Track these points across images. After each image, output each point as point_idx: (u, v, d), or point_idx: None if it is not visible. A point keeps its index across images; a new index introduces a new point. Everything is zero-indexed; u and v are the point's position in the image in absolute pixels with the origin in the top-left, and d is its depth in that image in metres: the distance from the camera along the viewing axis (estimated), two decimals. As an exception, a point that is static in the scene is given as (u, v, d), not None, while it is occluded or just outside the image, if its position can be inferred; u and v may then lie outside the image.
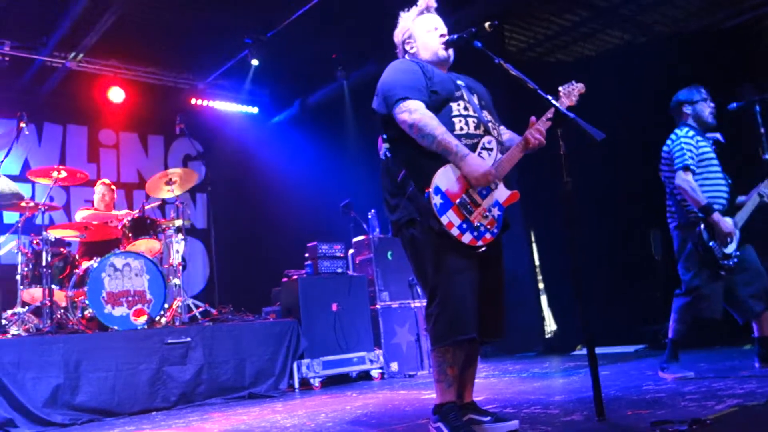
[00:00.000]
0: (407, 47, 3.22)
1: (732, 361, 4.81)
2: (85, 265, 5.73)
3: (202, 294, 9.40)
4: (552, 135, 2.95)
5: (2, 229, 6.46)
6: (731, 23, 7.35)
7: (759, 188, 4.17)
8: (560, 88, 3.02)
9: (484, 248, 2.88)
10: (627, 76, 6.71)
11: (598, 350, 2.91)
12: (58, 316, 5.41)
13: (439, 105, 2.94)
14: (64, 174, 5.95)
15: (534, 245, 7.95)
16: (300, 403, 4.97)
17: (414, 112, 2.85)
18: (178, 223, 6.49)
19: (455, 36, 3.10)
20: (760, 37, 6.90)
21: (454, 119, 2.93)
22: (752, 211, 4.15)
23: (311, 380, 5.88)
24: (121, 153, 9.53)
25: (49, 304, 5.35)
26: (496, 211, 2.92)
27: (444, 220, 2.78)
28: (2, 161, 5.80)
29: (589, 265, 4.33)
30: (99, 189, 6.97)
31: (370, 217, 6.79)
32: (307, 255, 6.49)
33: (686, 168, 4.10)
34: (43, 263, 5.49)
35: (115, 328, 5.33)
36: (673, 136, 4.26)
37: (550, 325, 7.97)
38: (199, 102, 9.60)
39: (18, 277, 5.67)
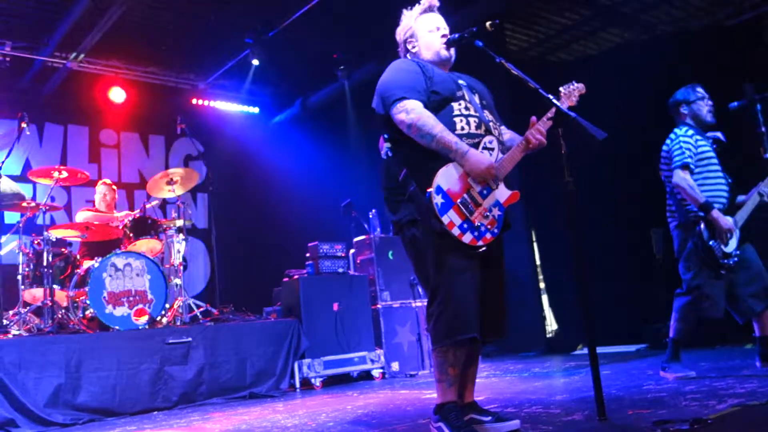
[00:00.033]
0: (409, 46, 3.22)
1: (733, 361, 4.81)
2: (86, 265, 5.73)
3: (203, 294, 9.40)
4: (553, 134, 2.95)
5: (3, 229, 6.46)
6: (732, 22, 7.34)
7: (759, 187, 4.16)
8: (561, 89, 3.02)
9: (484, 248, 2.88)
10: (628, 75, 6.71)
11: (599, 350, 2.91)
12: (60, 316, 5.42)
13: (440, 105, 2.94)
14: (65, 174, 5.95)
15: (535, 245, 7.94)
16: (301, 402, 4.97)
17: (411, 111, 2.85)
18: (179, 223, 6.49)
19: (456, 35, 3.11)
20: (761, 37, 6.89)
21: (455, 119, 2.93)
22: (752, 210, 4.14)
23: (312, 380, 5.88)
24: (122, 153, 9.53)
25: (50, 304, 5.35)
26: (496, 211, 2.92)
27: (445, 219, 2.78)
28: (3, 161, 5.80)
29: (591, 265, 4.32)
30: (100, 189, 6.98)
31: (371, 216, 6.80)
32: (308, 255, 6.50)
33: (684, 166, 4.10)
34: (45, 263, 5.50)
35: (117, 328, 5.34)
36: (672, 136, 4.26)
37: (551, 325, 7.97)
38: (200, 102, 9.61)
39: (19, 278, 5.67)
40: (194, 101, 9.55)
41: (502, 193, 2.94)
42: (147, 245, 6.20)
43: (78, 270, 5.73)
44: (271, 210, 9.90)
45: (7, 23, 7.43)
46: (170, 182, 6.58)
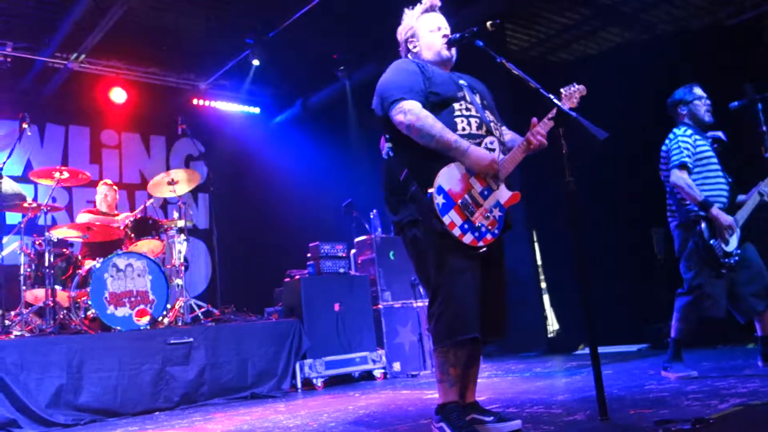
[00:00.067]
0: (410, 46, 3.22)
1: (735, 360, 4.81)
2: (87, 265, 5.74)
3: (204, 294, 9.39)
4: (554, 134, 2.95)
5: (5, 230, 6.45)
6: (732, 22, 7.34)
7: (759, 187, 4.16)
8: (562, 90, 3.02)
9: (485, 249, 2.88)
10: (628, 75, 6.71)
11: (601, 349, 2.91)
12: (61, 316, 5.42)
13: (440, 105, 2.94)
14: (66, 175, 5.95)
15: (536, 245, 7.94)
16: (302, 403, 4.97)
17: (408, 112, 2.85)
18: (181, 223, 6.49)
19: (457, 35, 3.11)
20: (761, 36, 6.89)
21: (456, 119, 2.93)
22: (753, 210, 4.14)
23: (314, 380, 5.88)
24: (124, 153, 9.53)
25: (51, 304, 5.35)
26: (497, 212, 2.92)
27: (446, 220, 2.78)
28: (5, 162, 5.80)
29: (592, 265, 4.32)
30: (101, 190, 6.98)
31: (372, 216, 6.80)
32: (309, 255, 6.50)
33: (682, 166, 4.11)
34: (46, 264, 5.50)
35: (118, 328, 5.34)
36: (671, 136, 4.27)
37: (553, 325, 7.97)
38: (201, 102, 9.62)
39: (21, 278, 5.67)
40: (195, 102, 9.56)
41: (503, 193, 2.94)
42: (148, 246, 6.20)
43: (79, 270, 5.74)
44: (272, 210, 9.91)
45: (7, 24, 7.44)
46: (171, 182, 6.59)
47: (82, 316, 5.50)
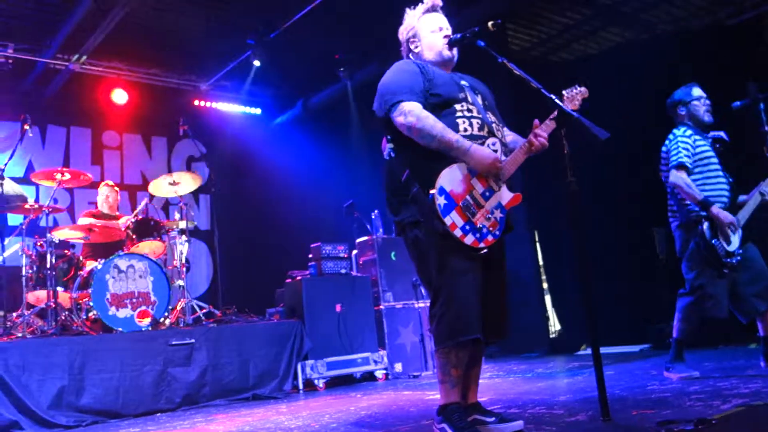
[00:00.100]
0: (411, 46, 3.22)
1: (737, 361, 4.80)
2: (89, 266, 5.74)
3: (205, 295, 9.40)
4: (556, 135, 2.95)
5: (7, 231, 6.45)
6: (733, 21, 7.33)
7: (760, 187, 4.16)
8: (564, 92, 3.02)
9: (486, 250, 2.87)
10: (629, 75, 6.70)
11: (603, 350, 2.90)
12: (63, 317, 5.42)
13: (442, 106, 2.93)
14: (68, 176, 5.95)
15: (538, 245, 7.94)
16: (304, 404, 4.97)
17: (409, 113, 2.85)
18: (182, 224, 6.49)
19: (458, 35, 3.10)
20: (762, 36, 6.88)
21: (457, 120, 2.93)
22: (754, 210, 4.14)
23: (315, 381, 5.88)
24: (125, 155, 9.54)
25: (53, 306, 5.35)
26: (498, 213, 2.92)
27: (447, 221, 2.78)
28: (6, 164, 5.81)
29: (593, 265, 4.31)
30: (102, 191, 6.98)
31: (373, 217, 6.80)
32: (310, 256, 6.50)
33: (680, 166, 4.11)
34: (48, 265, 5.50)
35: (120, 329, 5.34)
36: (670, 136, 4.27)
37: (555, 325, 7.96)
38: (202, 103, 9.63)
39: (22, 280, 5.67)
40: (196, 102, 9.57)
41: (505, 195, 2.94)
42: (150, 247, 6.20)
43: (81, 272, 5.74)
44: (274, 211, 9.91)
45: (8, 25, 7.45)
46: (173, 184, 6.59)
47: (84, 317, 5.50)
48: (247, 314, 6.60)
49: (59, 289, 5.61)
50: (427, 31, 3.16)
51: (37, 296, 5.75)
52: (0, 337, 5.03)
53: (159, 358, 5.18)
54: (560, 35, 8.32)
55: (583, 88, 3.05)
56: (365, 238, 6.75)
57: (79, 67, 8.27)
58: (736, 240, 4.06)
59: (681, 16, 7.87)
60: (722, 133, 4.28)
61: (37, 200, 7.49)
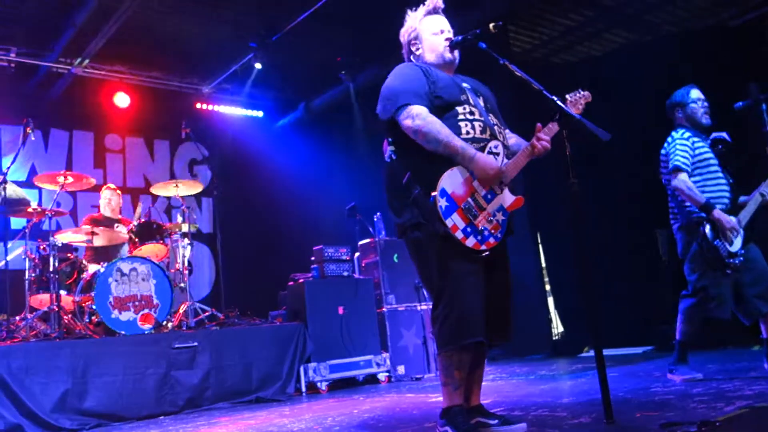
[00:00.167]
0: (413, 48, 3.22)
1: (741, 363, 4.79)
2: (92, 270, 5.74)
3: (208, 298, 9.40)
4: (557, 136, 2.95)
5: (10, 235, 6.47)
6: (735, 23, 7.33)
7: (761, 188, 4.15)
8: (568, 96, 3.03)
9: (487, 253, 2.87)
10: (632, 76, 6.70)
11: (606, 352, 2.89)
12: (66, 321, 5.43)
13: (444, 109, 2.93)
14: (70, 179, 5.96)
15: (540, 247, 7.93)
16: (307, 407, 4.97)
17: (416, 117, 2.85)
18: (185, 227, 6.50)
19: (460, 37, 3.10)
20: (764, 36, 6.87)
21: (460, 123, 2.93)
22: (755, 211, 4.13)
23: (318, 384, 5.87)
24: (127, 158, 9.54)
25: (56, 309, 5.36)
26: (500, 216, 2.91)
27: (449, 223, 2.78)
28: (9, 167, 5.82)
29: (596, 266, 4.31)
30: (105, 194, 6.99)
31: (375, 219, 6.79)
32: (313, 258, 6.50)
33: (676, 169, 4.10)
34: (51, 269, 5.51)
35: (123, 333, 5.34)
36: (669, 139, 4.27)
37: (558, 327, 7.95)
38: (204, 106, 9.64)
39: (26, 283, 5.68)
40: (198, 106, 9.57)
41: (507, 198, 2.94)
42: (152, 250, 6.21)
43: (84, 275, 5.74)
44: (276, 213, 9.91)
45: (11, 29, 7.47)
46: (176, 187, 6.62)
47: (87, 320, 5.51)
48: (250, 317, 6.60)
49: (62, 292, 5.62)
50: (429, 34, 3.16)
51: (40, 299, 5.76)
52: (3, 341, 5.04)
53: (162, 361, 5.19)
54: (562, 37, 8.32)
55: (586, 92, 3.05)
56: (367, 240, 6.75)
57: (82, 70, 8.29)
58: (738, 241, 4.05)
59: (684, 18, 7.87)
60: (724, 134, 4.28)
61: (39, 204, 7.51)
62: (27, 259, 5.72)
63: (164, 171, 9.69)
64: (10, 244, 6.10)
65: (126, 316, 5.45)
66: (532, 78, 2.97)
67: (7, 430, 4.40)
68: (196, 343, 5.40)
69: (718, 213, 3.99)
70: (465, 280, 2.82)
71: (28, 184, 7.75)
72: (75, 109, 8.95)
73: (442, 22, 3.19)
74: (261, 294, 8.14)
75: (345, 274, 6.45)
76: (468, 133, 2.92)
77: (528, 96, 3.16)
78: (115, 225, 6.56)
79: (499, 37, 5.31)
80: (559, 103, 2.94)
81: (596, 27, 8.11)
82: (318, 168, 9.50)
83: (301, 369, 5.85)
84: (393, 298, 6.48)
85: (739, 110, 4.28)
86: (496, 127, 3.02)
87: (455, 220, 2.79)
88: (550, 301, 7.90)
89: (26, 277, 5.67)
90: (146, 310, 5.56)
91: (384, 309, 6.41)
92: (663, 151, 4.28)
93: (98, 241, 6.19)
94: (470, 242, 2.81)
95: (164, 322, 5.70)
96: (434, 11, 3.21)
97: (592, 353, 4.48)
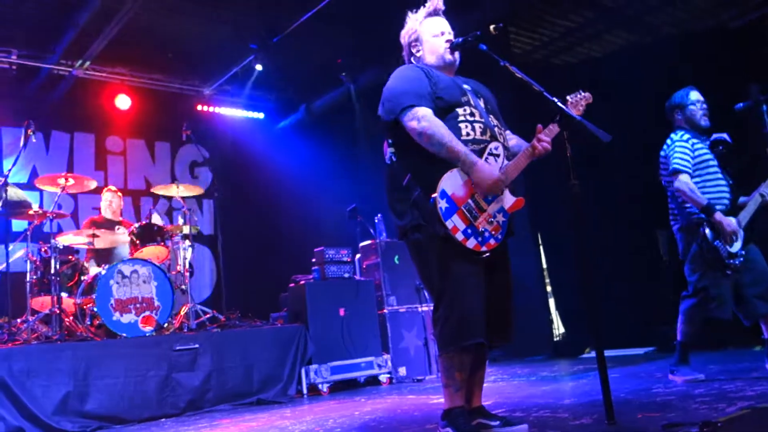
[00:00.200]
0: (413, 50, 3.22)
1: (742, 363, 4.78)
2: (93, 272, 5.74)
3: (209, 300, 9.39)
4: (558, 137, 2.95)
5: (11, 237, 6.47)
6: (735, 24, 7.33)
7: (760, 188, 4.15)
8: (568, 97, 3.04)
9: (488, 254, 2.87)
10: (633, 78, 6.70)
11: (607, 353, 2.89)
12: (67, 323, 5.43)
13: (445, 110, 2.93)
14: (71, 181, 5.97)
15: (541, 248, 7.92)
16: (308, 408, 4.96)
17: (422, 119, 2.85)
18: (186, 229, 6.50)
19: (460, 39, 3.11)
20: (765, 38, 6.87)
21: (460, 124, 2.93)
22: (754, 212, 4.13)
23: (319, 386, 5.87)
24: (128, 160, 9.55)
25: (57, 311, 5.36)
26: (500, 217, 2.91)
27: (449, 224, 2.78)
28: (10, 169, 5.82)
29: (597, 267, 4.31)
30: (106, 196, 6.99)
31: (376, 221, 6.79)
32: (314, 260, 6.49)
33: (676, 171, 4.10)
34: (52, 271, 5.51)
35: (124, 335, 5.34)
36: (668, 141, 4.27)
37: (559, 328, 7.94)
38: (205, 108, 9.64)
39: (27, 285, 5.68)
40: (199, 108, 9.58)
41: (507, 199, 2.94)
42: (153, 252, 6.21)
43: (85, 277, 5.75)
44: (277, 215, 9.91)
45: (12, 31, 7.47)
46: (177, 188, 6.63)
47: (88, 323, 5.51)
48: (251, 319, 6.60)
49: (63, 294, 5.62)
50: (429, 35, 3.16)
51: (42, 302, 5.76)
52: (4, 343, 5.04)
53: (163, 363, 5.19)
54: (563, 38, 8.31)
55: (587, 93, 3.06)
56: (368, 242, 6.75)
57: (83, 72, 8.30)
58: (738, 241, 4.05)
59: (684, 19, 7.87)
60: (725, 135, 4.28)
61: (41, 206, 7.51)
62: (28, 262, 5.73)
63: (165, 173, 9.69)
64: (11, 247, 6.10)
65: (127, 318, 5.45)
66: (533, 79, 2.97)
67: (9, 432, 4.40)
68: (197, 345, 5.40)
69: (719, 216, 3.99)
70: (466, 282, 2.82)
71: (29, 186, 7.76)
72: (76, 111, 8.95)
73: (442, 24, 3.19)
74: (262, 296, 8.14)
75: (346, 275, 6.45)
76: (468, 134, 2.92)
77: (528, 97, 3.16)
78: (116, 227, 6.57)
79: (500, 38, 5.32)
80: (559, 104, 2.94)
81: (596, 28, 8.11)
82: (319, 170, 9.50)
83: (302, 371, 5.85)
84: (394, 300, 6.48)
85: (739, 111, 4.27)
86: (496, 129, 3.02)
87: (455, 222, 2.79)
88: (551, 302, 7.90)
89: (27, 279, 5.68)
90: (147, 312, 5.56)
91: (385, 310, 6.40)
92: (662, 153, 4.29)
93: (99, 244, 6.19)
94: (471, 243, 2.81)
95: (165, 325, 5.70)
96: (435, 13, 3.21)
97: (593, 354, 4.48)
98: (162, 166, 9.82)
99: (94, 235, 6.00)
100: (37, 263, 5.72)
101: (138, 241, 6.11)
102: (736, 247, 4.03)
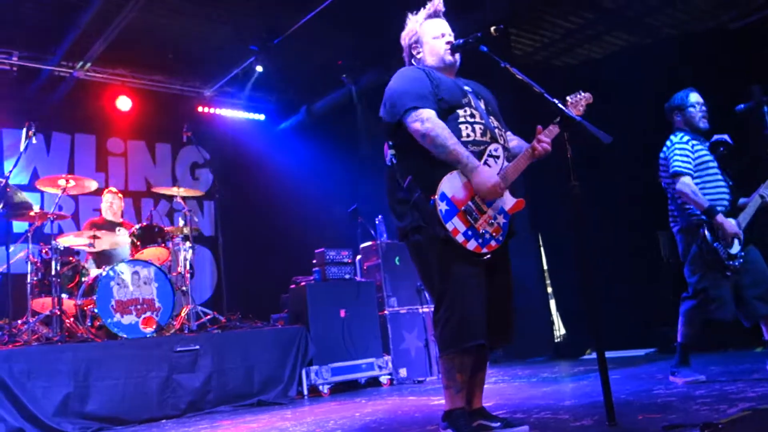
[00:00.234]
0: (414, 51, 3.22)
1: (743, 364, 4.78)
2: (93, 273, 5.75)
3: (210, 301, 9.39)
4: (558, 138, 2.95)
5: (12, 238, 6.47)
6: (736, 25, 7.33)
7: (760, 189, 4.15)
8: (568, 98, 3.04)
9: (488, 255, 2.87)
10: (633, 79, 6.70)
11: (608, 354, 2.89)
12: (68, 324, 5.43)
13: (445, 112, 2.93)
14: (72, 183, 5.97)
15: (542, 249, 7.92)
16: (309, 410, 4.96)
17: (426, 121, 2.85)
18: (186, 231, 6.51)
19: (461, 41, 3.11)
20: (766, 39, 6.87)
21: (460, 126, 2.93)
22: (754, 213, 4.13)
23: (320, 387, 5.87)
24: (129, 161, 9.56)
25: (58, 313, 5.36)
26: (501, 219, 2.91)
27: (449, 226, 2.78)
28: (11, 171, 5.83)
29: (598, 269, 4.30)
30: (106, 197, 6.99)
31: (377, 222, 6.79)
32: (314, 261, 6.50)
33: (677, 174, 4.10)
34: (53, 272, 5.51)
35: (124, 336, 5.35)
36: (668, 143, 4.27)
37: (559, 330, 7.94)
38: (206, 110, 9.65)
39: (27, 287, 5.68)
40: (200, 109, 9.58)
41: (508, 200, 2.94)
42: (154, 253, 6.21)
43: (86, 278, 5.75)
44: (278, 217, 9.91)
45: (13, 33, 7.48)
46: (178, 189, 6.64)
47: (89, 324, 5.51)
48: (252, 320, 6.60)
49: (64, 296, 5.62)
50: (430, 37, 3.16)
51: (42, 303, 5.76)
52: (5, 345, 5.04)
53: (164, 364, 5.19)
54: (563, 39, 8.32)
55: (587, 94, 3.06)
56: (369, 243, 6.75)
57: (84, 74, 8.30)
58: (737, 242, 4.05)
59: (685, 20, 7.87)
60: (726, 136, 4.28)
61: (41, 207, 7.51)
62: (29, 263, 5.73)
63: (166, 174, 9.70)
64: (12, 248, 6.10)
65: (128, 319, 5.46)
66: (533, 81, 2.97)
67: (10, 433, 4.40)
68: (197, 347, 5.40)
69: (721, 218, 3.99)
70: (466, 283, 2.82)
71: (30, 187, 7.76)
72: (77, 113, 8.96)
73: (443, 26, 3.19)
74: (263, 297, 8.14)
75: (347, 276, 6.45)
76: (468, 136, 2.92)
77: (529, 99, 3.16)
78: (117, 228, 6.57)
79: (500, 40, 5.31)
80: (560, 105, 2.94)
81: (597, 30, 8.11)
82: (320, 171, 9.50)
83: (303, 372, 5.85)
84: (395, 301, 6.48)
85: (740, 113, 4.27)
86: (497, 130, 3.02)
87: (456, 224, 2.79)
88: (552, 303, 7.89)
89: (28, 280, 5.68)
90: (148, 314, 5.56)
91: (386, 312, 6.40)
92: (662, 155, 4.29)
93: (100, 245, 6.19)
94: (471, 245, 2.81)
95: (166, 326, 5.70)
96: (435, 14, 3.21)
97: (594, 355, 4.48)
98: (163, 167, 9.82)
99: (94, 237, 6.00)
100: (38, 264, 5.72)
101: (139, 243, 6.12)
102: (736, 248, 4.03)
